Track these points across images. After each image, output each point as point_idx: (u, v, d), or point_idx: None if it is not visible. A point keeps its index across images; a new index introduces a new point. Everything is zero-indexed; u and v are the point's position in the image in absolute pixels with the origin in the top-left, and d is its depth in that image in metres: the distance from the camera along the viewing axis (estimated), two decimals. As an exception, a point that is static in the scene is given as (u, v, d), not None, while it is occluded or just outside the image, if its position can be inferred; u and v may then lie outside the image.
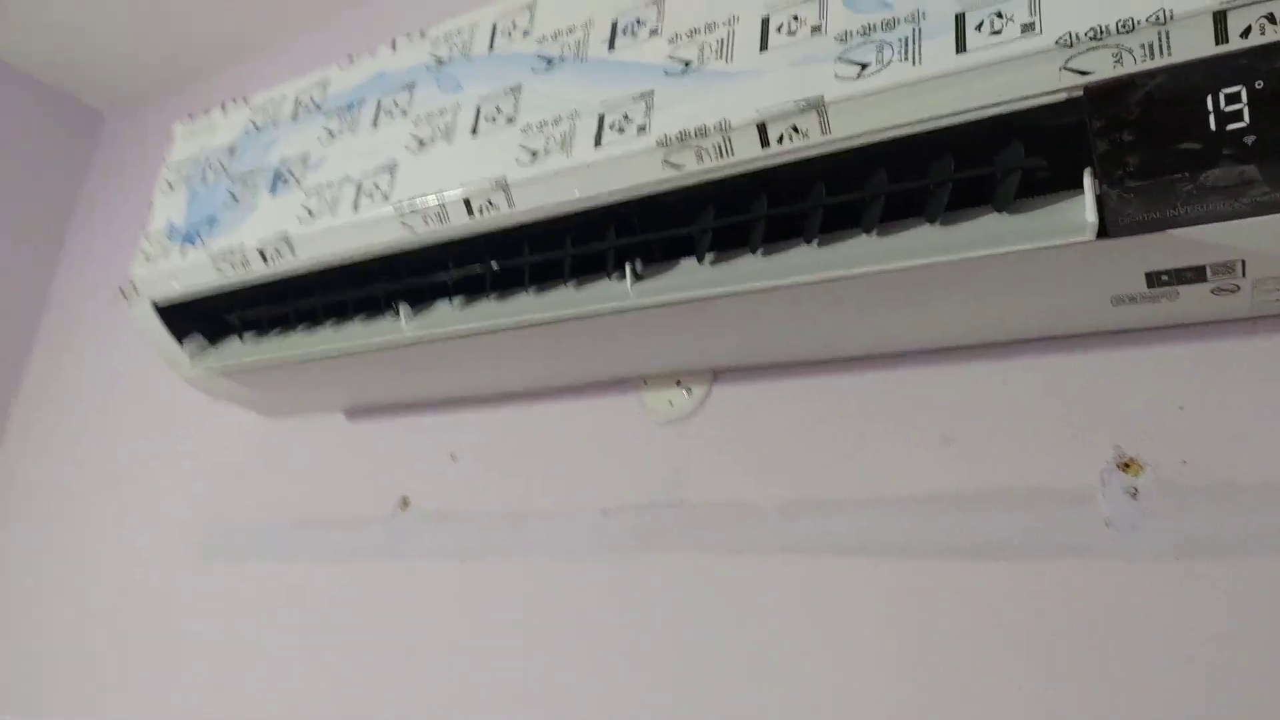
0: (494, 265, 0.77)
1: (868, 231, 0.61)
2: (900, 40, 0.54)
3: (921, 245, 0.59)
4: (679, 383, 0.84)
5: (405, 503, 0.99)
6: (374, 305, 0.86)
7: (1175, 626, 0.58)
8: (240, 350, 0.95)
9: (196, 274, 0.91)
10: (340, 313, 0.88)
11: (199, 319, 0.98)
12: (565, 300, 0.74)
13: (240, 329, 0.96)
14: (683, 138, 0.61)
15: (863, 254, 0.61)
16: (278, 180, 0.88)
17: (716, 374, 0.82)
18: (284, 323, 0.91)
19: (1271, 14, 0.42)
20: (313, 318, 0.90)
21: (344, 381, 1.00)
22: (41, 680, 1.30)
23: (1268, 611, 0.56)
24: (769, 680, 0.70)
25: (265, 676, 1.01)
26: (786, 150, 0.58)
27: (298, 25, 1.51)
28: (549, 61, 0.73)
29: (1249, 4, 0.42)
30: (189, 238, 0.93)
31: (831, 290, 0.65)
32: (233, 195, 0.91)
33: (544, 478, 0.89)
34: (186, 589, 1.14)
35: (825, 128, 0.56)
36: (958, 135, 0.54)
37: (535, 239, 0.74)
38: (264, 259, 0.85)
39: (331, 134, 0.86)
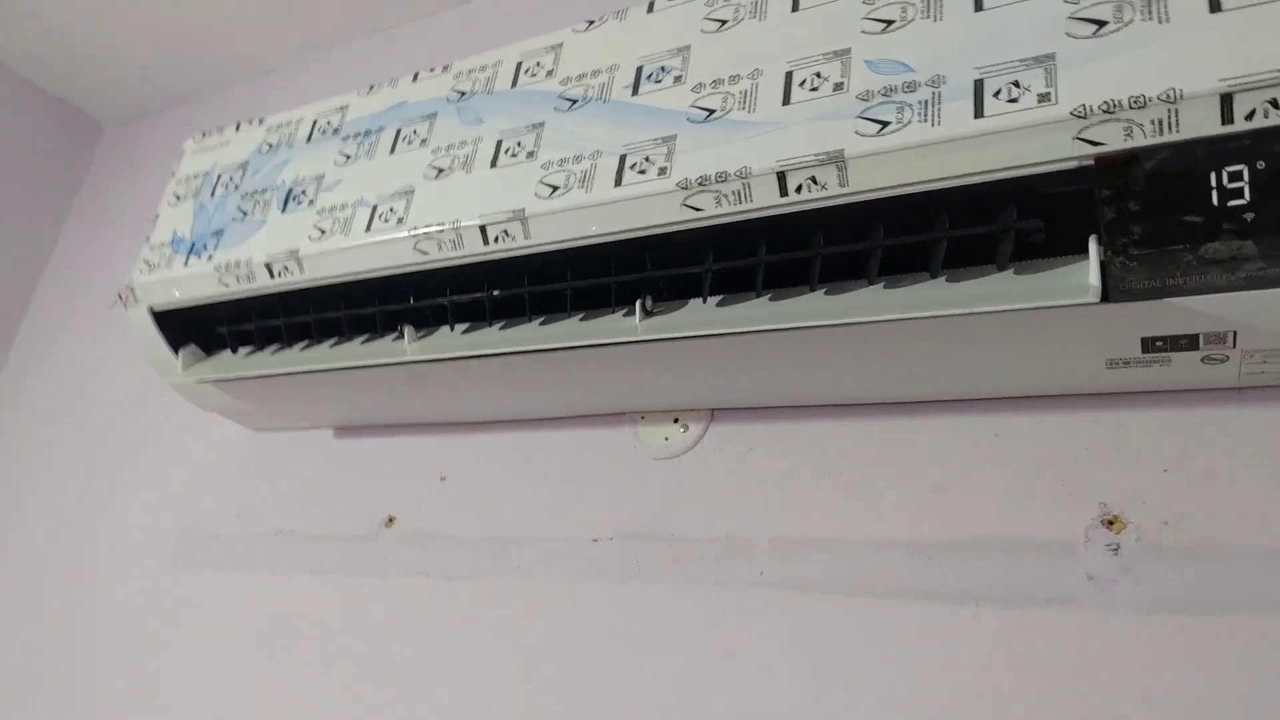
0: (495, 293, 0.78)
1: (871, 282, 0.64)
2: (920, 102, 0.56)
3: (926, 298, 0.61)
4: (676, 420, 0.85)
5: (391, 521, 0.99)
6: (374, 326, 0.87)
7: (1149, 679, 0.60)
8: (236, 362, 0.95)
9: (199, 284, 0.92)
10: (340, 331, 0.89)
11: (195, 330, 0.98)
12: (570, 332, 0.76)
13: (237, 342, 0.96)
14: (703, 182, 0.63)
15: (868, 303, 0.63)
16: (290, 199, 0.89)
17: (714, 413, 0.84)
18: (282, 338, 0.92)
19: (1275, 99, 0.45)
20: (311, 335, 0.91)
21: (337, 398, 1.01)
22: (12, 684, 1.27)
23: (1239, 669, 0.58)
24: (750, 713, 0.70)
25: (237, 682, 1.00)
26: (803, 200, 0.61)
27: (303, 49, 1.54)
28: (572, 102, 0.75)
29: (1254, 88, 0.45)
30: (194, 249, 0.93)
31: (833, 336, 0.67)
32: (242, 210, 0.92)
33: (534, 504, 0.90)
34: (160, 595, 1.13)
35: (843, 180, 0.58)
36: (967, 195, 0.57)
37: (544, 271, 0.76)
38: (270, 273, 0.86)
39: (348, 157, 0.87)
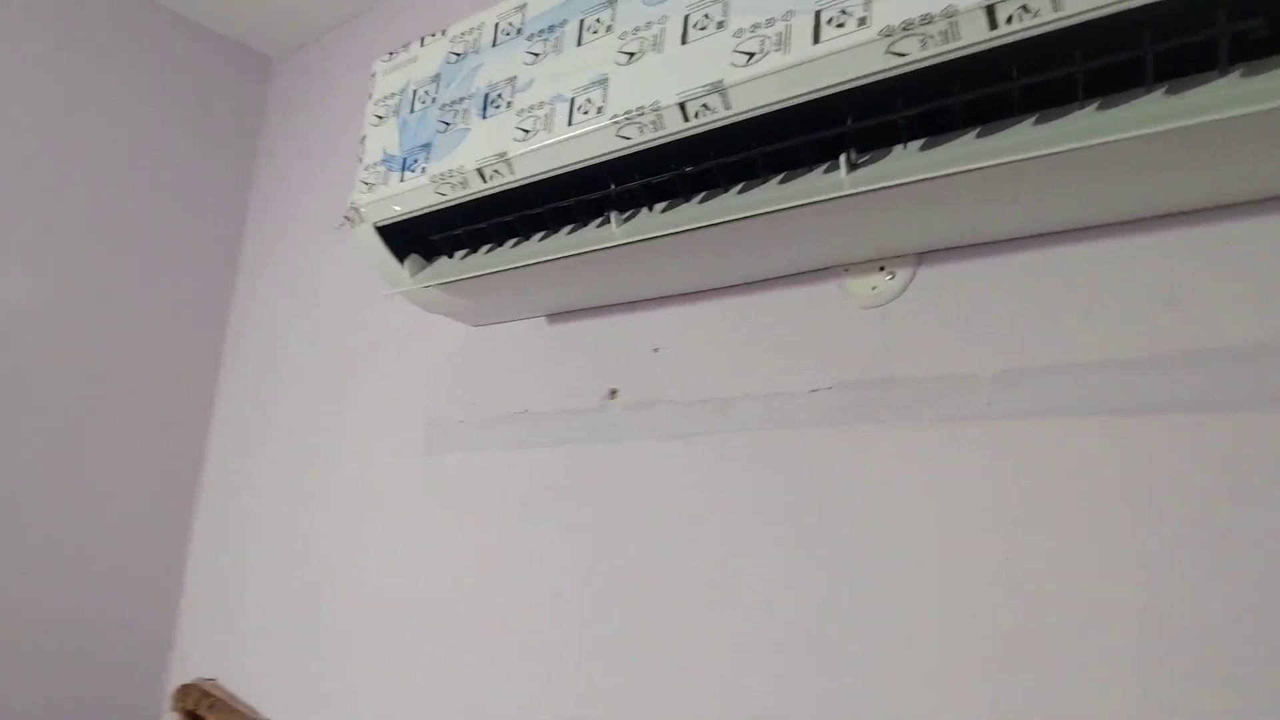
0: (689, 169, 0.82)
1: (1081, 106, 0.64)
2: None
3: (1147, 114, 0.60)
4: (882, 268, 0.88)
5: (613, 393, 1.07)
6: (579, 217, 0.92)
7: None
8: (456, 266, 1.04)
9: (417, 197, 0.99)
10: (546, 224, 0.95)
11: (412, 241, 1.07)
12: (773, 196, 0.78)
13: (451, 247, 1.04)
14: (907, 26, 0.63)
15: (1084, 127, 0.63)
16: (488, 104, 0.94)
17: (920, 257, 0.85)
18: (497, 237, 0.99)
19: None
20: (522, 231, 0.98)
21: (548, 288, 1.08)
22: (295, 559, 1.48)
23: None
24: (992, 545, 0.75)
25: (489, 546, 1.13)
26: (1013, 30, 0.60)
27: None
28: (753, -36, 0.75)
29: None
30: (406, 165, 1.01)
31: (1045, 166, 0.67)
32: (444, 122, 0.98)
33: (748, 364, 0.95)
34: (416, 477, 1.27)
35: (1057, 5, 0.58)
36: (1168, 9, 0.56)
37: (739, 142, 0.78)
38: (482, 178, 0.92)
39: (536, 55, 0.91)
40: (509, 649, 1.08)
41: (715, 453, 0.95)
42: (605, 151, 0.83)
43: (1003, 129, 0.68)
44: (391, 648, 1.25)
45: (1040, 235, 0.79)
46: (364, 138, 1.09)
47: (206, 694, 1.56)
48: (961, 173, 0.68)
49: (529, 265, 0.97)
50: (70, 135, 1.67)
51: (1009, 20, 0.60)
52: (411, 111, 1.04)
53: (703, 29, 0.77)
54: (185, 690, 1.62)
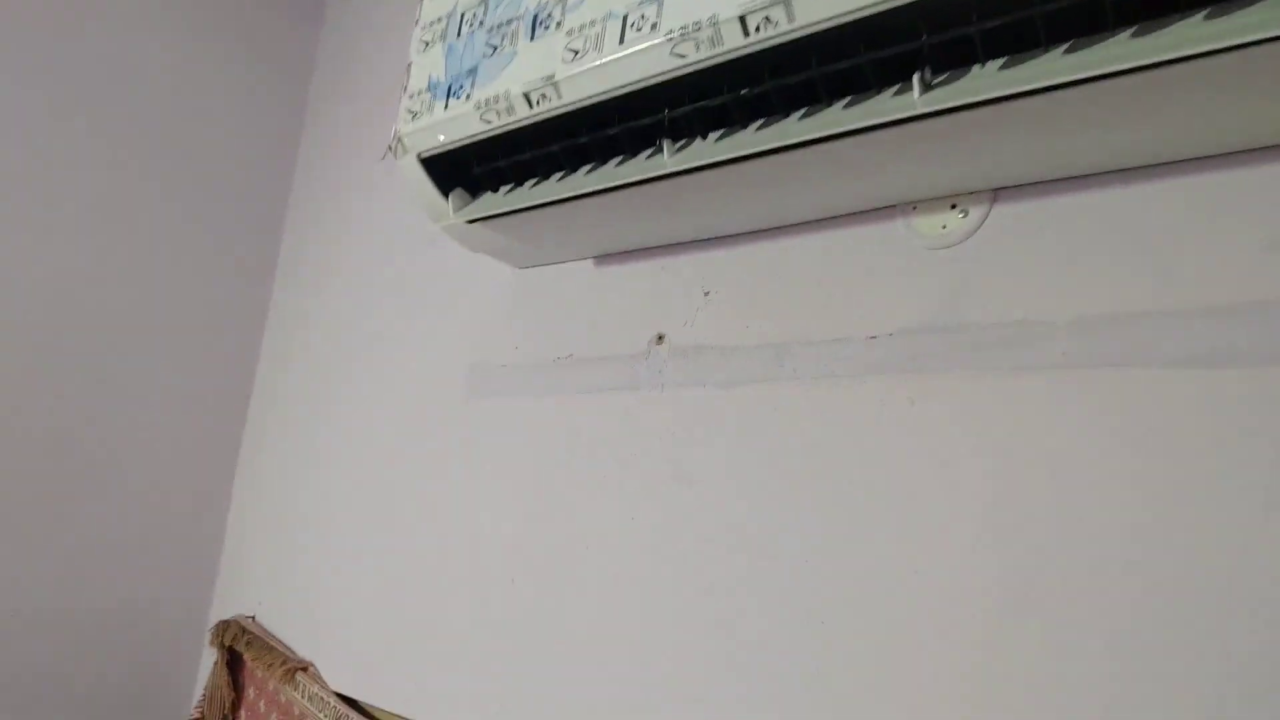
0: (745, 92, 0.76)
1: (1185, 16, 0.57)
2: None
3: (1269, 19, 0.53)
4: (953, 205, 0.81)
5: (660, 339, 1.02)
6: (629, 146, 0.87)
7: None
8: (499, 200, 0.99)
9: (461, 124, 0.95)
10: (593, 156, 0.91)
11: (458, 174, 1.03)
12: (836, 119, 0.73)
13: (495, 181, 1.00)
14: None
15: (1196, 34, 0.56)
16: (536, 24, 0.89)
17: (996, 194, 0.79)
18: (543, 168, 0.95)
19: None
20: (569, 163, 0.93)
21: (597, 226, 1.04)
22: (333, 497, 1.47)
23: None
24: (1065, 501, 0.69)
25: (529, 493, 1.10)
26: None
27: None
28: None
29: None
30: (452, 91, 0.97)
31: (1141, 85, 0.60)
32: (491, 45, 0.94)
33: (804, 309, 0.90)
34: (457, 421, 1.25)
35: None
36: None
37: (802, 62, 0.73)
38: (529, 103, 0.88)
39: (588, -29, 0.86)
40: (550, 601, 1.05)
41: (768, 403, 0.90)
42: (658, 72, 0.78)
43: (1097, 43, 0.61)
44: (428, 591, 1.23)
45: (1128, 170, 0.72)
46: (409, 65, 1.05)
47: (244, 630, 1.57)
48: (1045, 90, 0.62)
49: (576, 198, 0.93)
50: (130, 74, 1.66)
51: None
52: (458, 35, 0.99)
53: (766, -65, 0.71)
54: (224, 626, 1.63)
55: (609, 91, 0.82)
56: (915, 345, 0.80)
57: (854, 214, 0.88)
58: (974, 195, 0.80)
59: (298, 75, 1.90)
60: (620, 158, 0.89)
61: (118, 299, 1.64)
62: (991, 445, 0.73)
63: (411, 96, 1.02)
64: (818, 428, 0.85)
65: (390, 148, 1.04)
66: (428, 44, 1.04)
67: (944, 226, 0.81)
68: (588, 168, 0.92)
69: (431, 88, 1.00)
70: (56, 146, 1.57)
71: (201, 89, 1.76)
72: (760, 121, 0.79)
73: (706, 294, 1.00)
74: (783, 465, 0.87)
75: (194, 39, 1.75)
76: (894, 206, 0.85)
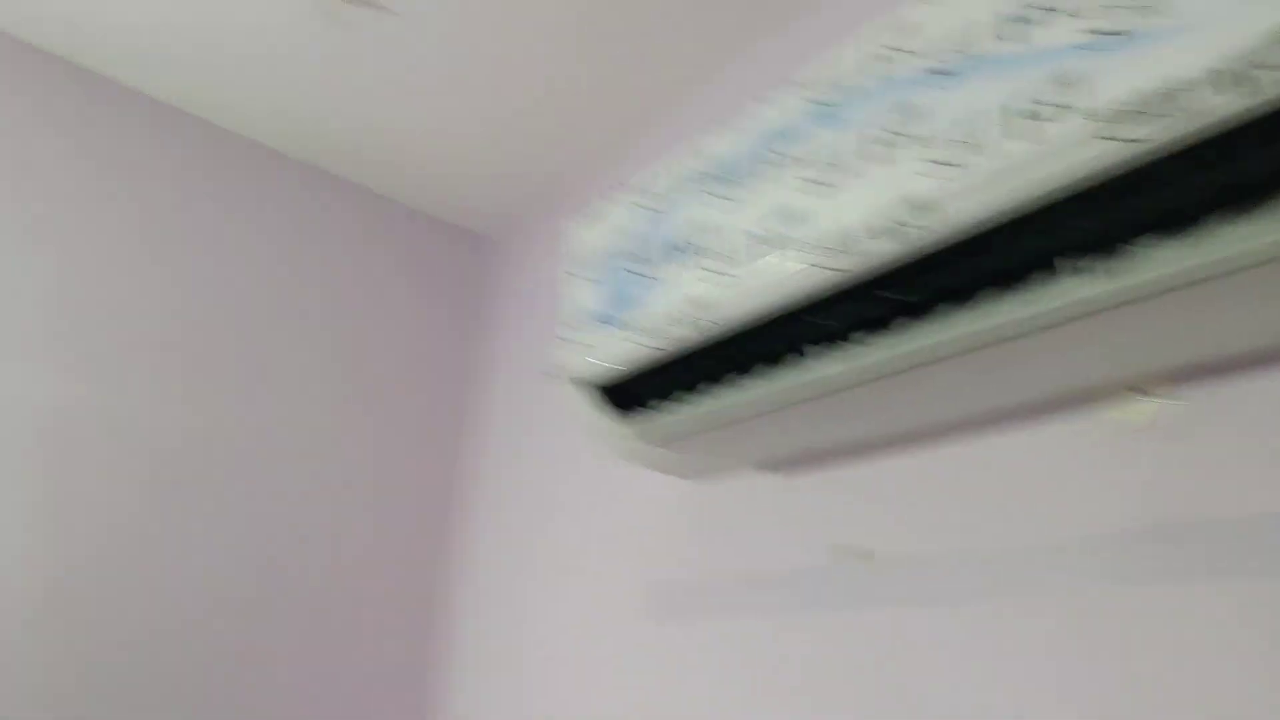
0: (906, 298, 0.75)
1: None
2: None
3: None
4: (1144, 391, 0.75)
5: (841, 550, 0.98)
6: (783, 357, 0.86)
7: None
8: (669, 418, 0.99)
9: (619, 350, 0.97)
10: (751, 368, 0.90)
11: (620, 394, 1.05)
12: (1013, 308, 0.70)
13: (661, 397, 1.01)
14: (1128, 112, 0.55)
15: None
16: (680, 252, 0.92)
17: (1191, 376, 0.72)
18: (704, 386, 0.95)
19: None
20: (732, 377, 0.92)
21: (765, 436, 1.02)
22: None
23: None
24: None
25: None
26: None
27: (643, 122, 1.61)
28: (936, 73, 0.70)
29: None
30: (606, 319, 1.00)
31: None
32: (638, 274, 0.98)
33: (1003, 512, 0.83)
34: (640, 645, 1.21)
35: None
36: None
37: (946, 264, 0.71)
38: (684, 326, 0.89)
39: (723, 198, 0.89)
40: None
41: (985, 620, 0.83)
42: (806, 286, 0.78)
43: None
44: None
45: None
46: (563, 297, 1.10)
47: None
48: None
49: (751, 407, 0.91)
50: (319, 319, 1.84)
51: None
52: (607, 267, 1.04)
53: (889, 145, 0.72)
54: None
55: (761, 308, 0.82)
56: (1137, 549, 0.72)
57: (1028, 407, 0.83)
58: (1160, 378, 0.74)
59: (469, 303, 2.05)
60: (783, 369, 0.88)
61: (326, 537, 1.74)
62: (1241, 666, 0.64)
63: (568, 326, 1.07)
64: (1058, 647, 0.77)
65: (548, 374, 1.08)
66: (578, 277, 1.09)
67: (1138, 414, 0.75)
68: (750, 379, 0.91)
69: (587, 317, 1.04)
70: (279, 350, 1.74)
71: (379, 331, 1.91)
72: (917, 320, 0.77)
73: (894, 501, 0.95)
74: (1014, 693, 0.78)
75: (371, 281, 1.93)
76: (1073, 396, 0.80)
